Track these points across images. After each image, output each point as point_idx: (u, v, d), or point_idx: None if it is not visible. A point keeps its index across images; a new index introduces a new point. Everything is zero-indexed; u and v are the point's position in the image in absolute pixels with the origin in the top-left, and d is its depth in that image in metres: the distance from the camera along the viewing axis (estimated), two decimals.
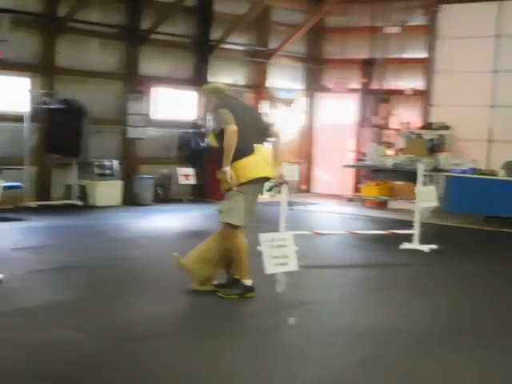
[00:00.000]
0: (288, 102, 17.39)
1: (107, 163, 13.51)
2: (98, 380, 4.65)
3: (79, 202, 13.11)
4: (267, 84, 16.77)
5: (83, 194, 13.33)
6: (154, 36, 14.29)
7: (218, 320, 6.17)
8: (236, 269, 6.89)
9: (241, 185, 6.68)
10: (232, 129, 6.55)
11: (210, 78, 15.32)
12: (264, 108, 16.25)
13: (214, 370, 4.87)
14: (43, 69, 12.76)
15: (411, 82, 16.27)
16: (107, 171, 13.48)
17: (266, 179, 6.87)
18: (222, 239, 6.86)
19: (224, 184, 6.78)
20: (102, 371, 4.79)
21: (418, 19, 16.09)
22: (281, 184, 6.95)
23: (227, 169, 6.58)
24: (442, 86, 15.39)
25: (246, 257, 6.78)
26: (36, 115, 12.71)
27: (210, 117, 6.91)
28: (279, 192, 7.38)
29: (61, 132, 12.61)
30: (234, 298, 6.72)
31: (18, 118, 12.41)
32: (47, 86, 12.68)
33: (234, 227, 6.75)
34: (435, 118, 15.32)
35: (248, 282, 6.79)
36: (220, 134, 6.69)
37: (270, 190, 7.21)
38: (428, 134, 14.81)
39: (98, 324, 5.85)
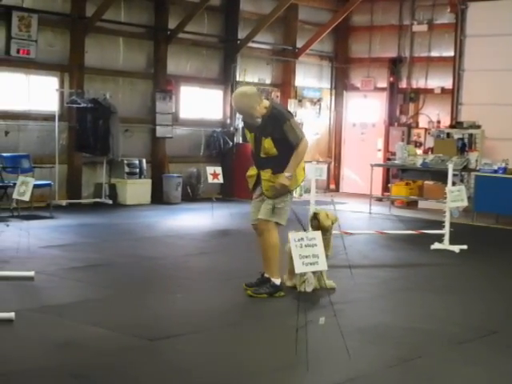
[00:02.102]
0: (315, 101, 17.33)
1: (136, 162, 13.57)
2: (124, 378, 4.66)
3: (109, 201, 13.17)
4: (294, 83, 16.73)
5: (113, 193, 13.40)
6: (181, 35, 14.33)
7: (247, 319, 6.16)
8: (266, 266, 6.87)
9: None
10: (306, 142, 6.83)
11: (237, 78, 15.34)
12: (291, 107, 16.20)
13: (242, 369, 4.87)
14: (72, 68, 12.84)
15: (440, 81, 16.15)
16: (136, 170, 13.54)
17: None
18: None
19: (270, 189, 6.75)
20: (129, 369, 4.81)
21: (445, 17, 15.94)
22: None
23: (290, 175, 6.69)
24: (472, 84, 15.20)
25: (277, 255, 6.77)
26: (65, 114, 12.82)
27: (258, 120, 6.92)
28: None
29: (90, 131, 12.70)
30: (264, 297, 6.71)
31: (48, 117, 12.53)
32: (76, 86, 12.77)
33: (276, 225, 6.78)
34: (465, 116, 15.14)
35: (277, 281, 6.79)
36: (280, 142, 6.70)
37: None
38: (457, 133, 14.65)
39: (126, 322, 5.87)
